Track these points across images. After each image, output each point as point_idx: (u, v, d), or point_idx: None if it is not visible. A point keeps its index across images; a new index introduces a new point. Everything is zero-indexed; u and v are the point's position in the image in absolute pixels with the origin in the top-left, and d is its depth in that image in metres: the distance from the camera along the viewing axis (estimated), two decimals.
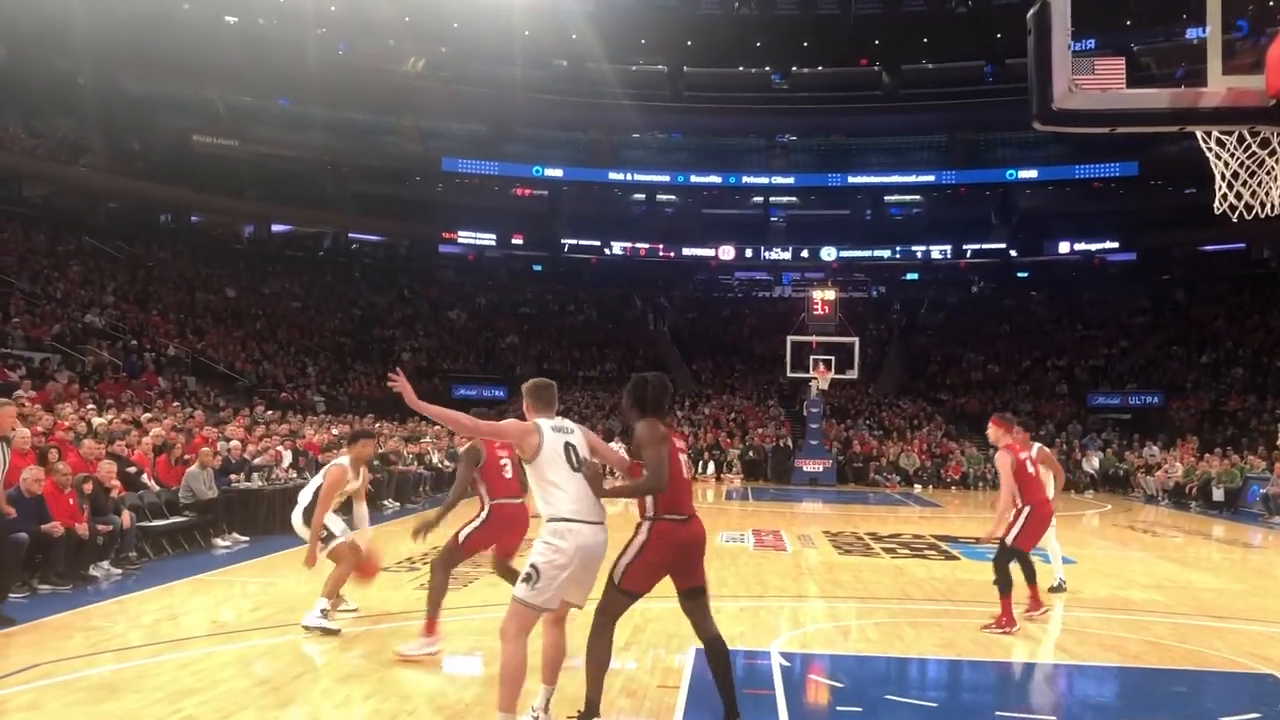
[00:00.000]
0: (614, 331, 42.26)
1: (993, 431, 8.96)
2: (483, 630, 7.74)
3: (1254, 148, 4.97)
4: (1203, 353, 35.52)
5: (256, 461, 15.52)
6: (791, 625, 8.74)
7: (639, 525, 5.20)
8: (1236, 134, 4.95)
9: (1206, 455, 24.83)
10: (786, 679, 6.84)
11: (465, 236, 46.21)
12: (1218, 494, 22.69)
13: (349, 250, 47.27)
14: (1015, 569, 8.50)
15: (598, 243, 46.65)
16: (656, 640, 7.60)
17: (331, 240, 47.21)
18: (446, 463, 22.12)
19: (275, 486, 14.68)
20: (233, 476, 14.32)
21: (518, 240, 46.32)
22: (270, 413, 23.15)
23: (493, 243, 46.29)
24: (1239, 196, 5.00)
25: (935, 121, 44.59)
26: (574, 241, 46.61)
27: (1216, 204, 5.01)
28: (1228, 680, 7.16)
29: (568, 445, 5.19)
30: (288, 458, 16.64)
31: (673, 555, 5.18)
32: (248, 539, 13.30)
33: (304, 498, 8.20)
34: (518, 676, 4.97)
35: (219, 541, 12.90)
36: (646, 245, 46.38)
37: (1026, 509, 8.53)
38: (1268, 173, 4.84)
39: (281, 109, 44.37)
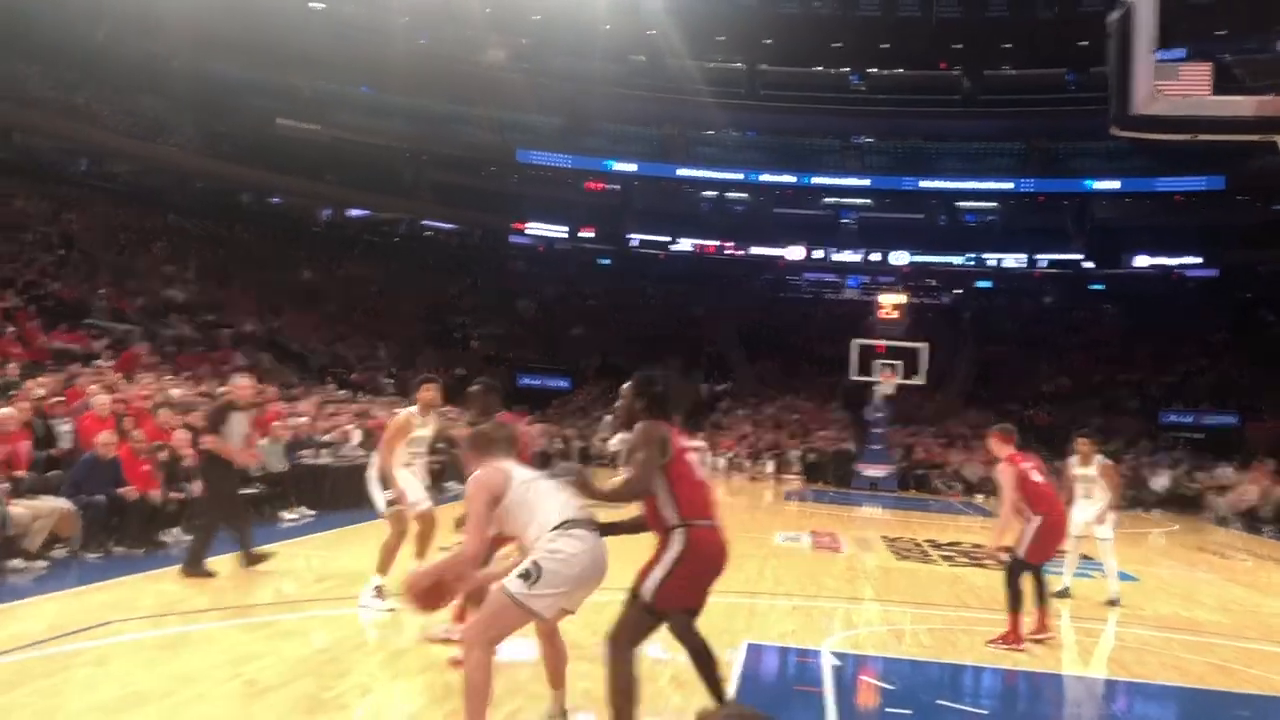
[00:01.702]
0: (678, 327, 42.26)
1: (993, 444, 8.49)
2: None
3: None
4: None
5: (325, 438, 15.86)
6: (844, 626, 8.73)
7: (668, 535, 4.80)
8: None
9: None
10: (837, 678, 6.85)
11: (536, 228, 46.53)
12: None
13: (423, 237, 47.88)
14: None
15: (666, 239, 46.65)
16: (708, 634, 7.60)
17: (406, 226, 47.86)
18: None
19: (343, 463, 14.98)
20: (302, 452, 14.65)
21: (587, 233, 46.49)
22: (342, 392, 23.61)
23: (563, 235, 46.54)
24: None
25: (1014, 128, 43.85)
26: (642, 236, 46.66)
27: None
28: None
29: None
30: (357, 436, 16.97)
31: (710, 565, 4.84)
32: (314, 513, 13.61)
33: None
34: (485, 690, 4.44)
35: (286, 514, 13.21)
36: (715, 243, 46.26)
37: (1037, 520, 8.14)
38: None
39: (363, 96, 45.07)
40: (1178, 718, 6.93)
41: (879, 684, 6.98)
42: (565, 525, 4.53)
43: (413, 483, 8.08)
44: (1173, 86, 4.49)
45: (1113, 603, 10.18)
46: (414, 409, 8.22)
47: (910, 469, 29.19)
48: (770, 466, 29.21)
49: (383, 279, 41.20)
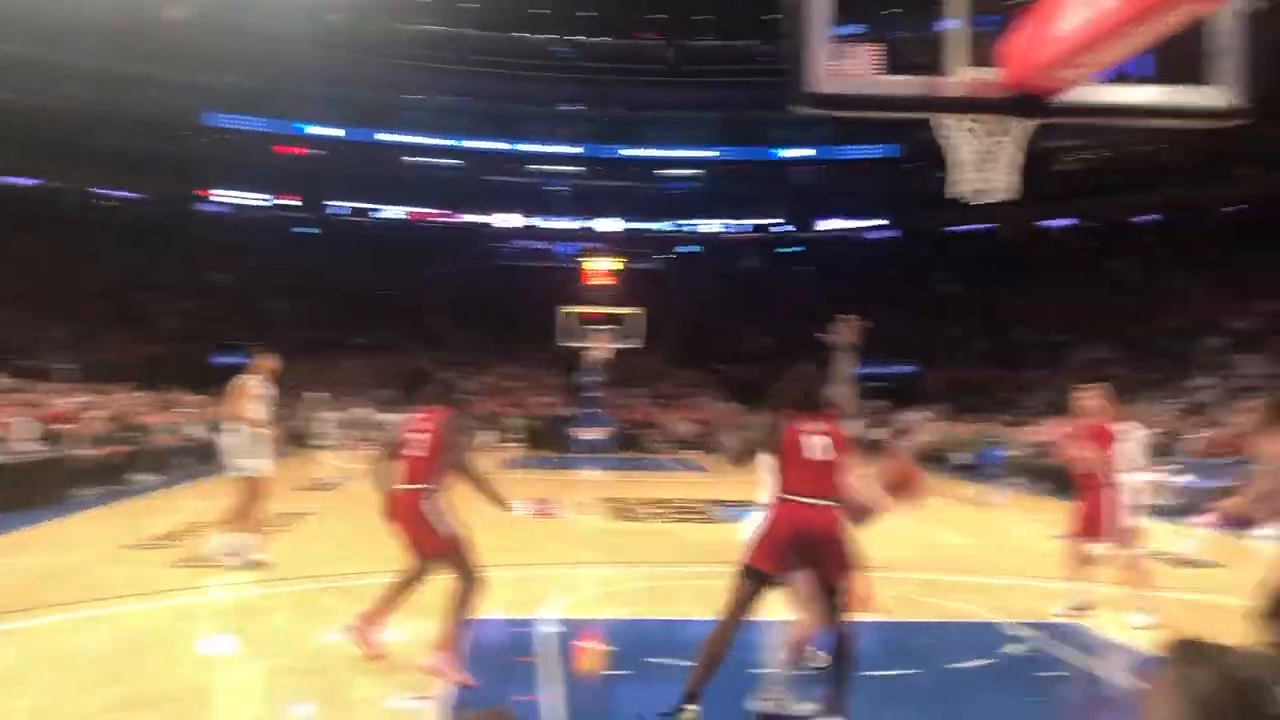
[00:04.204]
0: (389, 297, 41.18)
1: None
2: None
3: (994, 134, 5.32)
4: (954, 326, 38.10)
5: None
6: (563, 592, 8.82)
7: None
8: (976, 121, 5.28)
9: (955, 421, 26.71)
10: (554, 645, 6.89)
11: (228, 195, 43.82)
12: (964, 457, 24.45)
13: (102, 207, 43.90)
14: None
15: (373, 205, 45.29)
16: (424, 609, 7.44)
17: (80, 196, 43.69)
18: (202, 434, 20.82)
19: (11, 459, 13.53)
20: None
21: (287, 200, 44.30)
22: (7, 380, 21.32)
23: (259, 202, 44.10)
24: (976, 182, 5.34)
25: (715, 98, 45.61)
26: (347, 204, 45.01)
27: (951, 189, 5.33)
28: (962, 630, 7.74)
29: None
30: (29, 428, 15.38)
31: (793, 537, 5.27)
32: None
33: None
34: None
35: None
36: (425, 210, 45.42)
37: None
38: (1002, 160, 5.19)
39: (29, 58, 40.58)
40: (865, 651, 7.46)
41: (597, 647, 7.10)
42: None
43: (252, 447, 9.07)
44: (846, 66, 4.74)
45: None
46: (258, 376, 9.33)
47: (625, 430, 29.99)
48: (492, 436, 29.11)
49: (53, 254, 37.46)
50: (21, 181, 42.13)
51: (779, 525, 5.29)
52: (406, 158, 46.75)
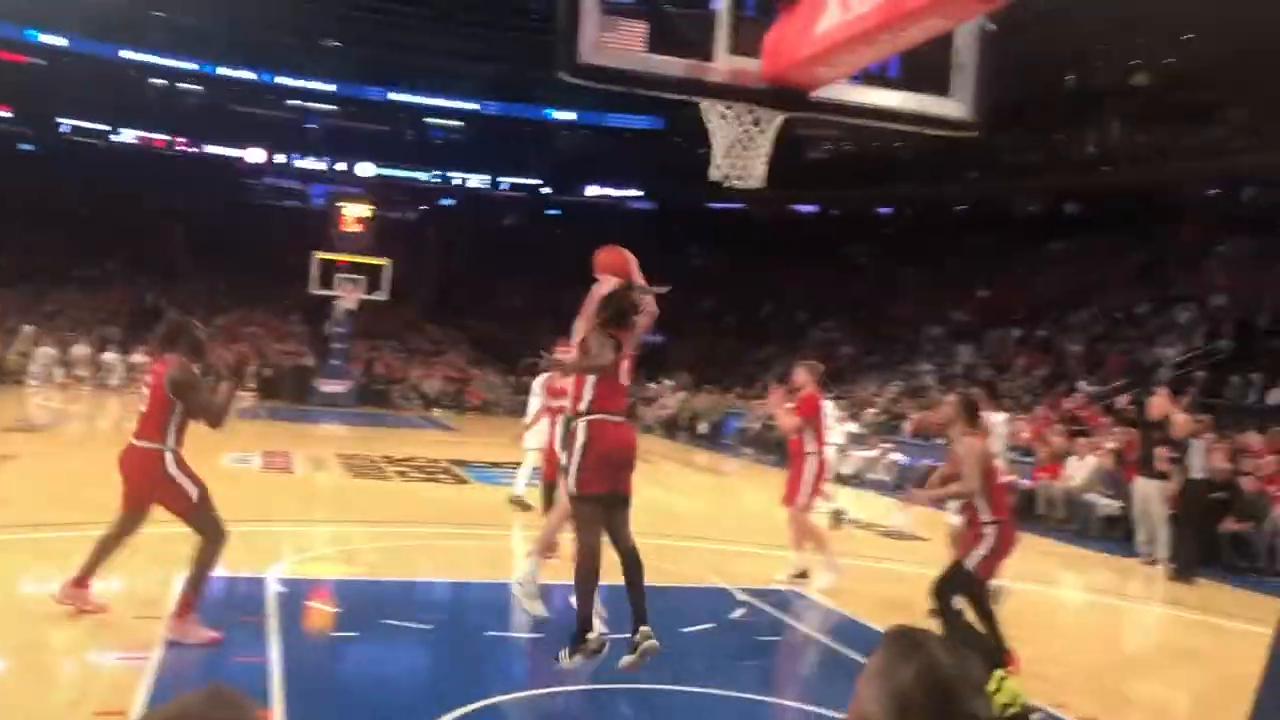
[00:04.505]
0: (121, 229, 38.16)
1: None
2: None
3: (747, 124, 5.49)
4: (705, 299, 39.39)
5: None
6: (294, 551, 8.52)
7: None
8: (735, 108, 5.44)
9: (698, 391, 27.69)
10: (282, 605, 6.66)
11: None
12: (703, 426, 25.42)
13: None
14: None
15: (106, 127, 41.70)
16: (136, 567, 7.01)
17: None
18: None
19: None
20: None
21: (3, 113, 40.10)
22: None
23: None
24: (733, 166, 5.51)
25: (483, 51, 44.77)
26: (76, 123, 41.24)
27: (711, 171, 5.48)
28: (692, 595, 8.06)
29: None
30: None
31: (612, 454, 5.40)
32: None
33: None
34: None
35: None
36: (165, 137, 42.27)
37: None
38: (756, 149, 5.38)
39: None
40: (595, 614, 7.65)
41: (326, 608, 6.92)
42: None
43: None
44: (614, 39, 4.76)
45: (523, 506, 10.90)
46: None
47: (370, 384, 29.25)
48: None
49: None
50: None
51: (606, 443, 5.43)
52: (151, 80, 43.31)
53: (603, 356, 5.46)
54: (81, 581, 5.86)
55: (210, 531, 5.78)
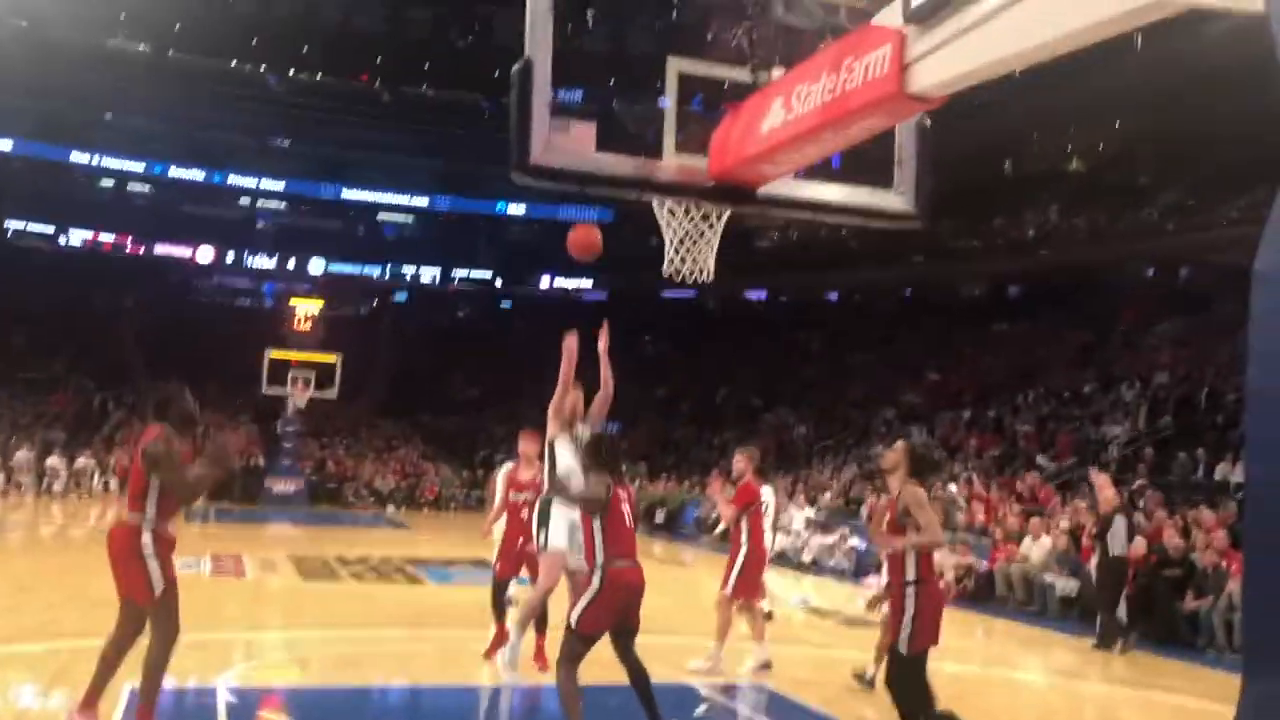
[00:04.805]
0: (70, 330, 37.62)
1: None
2: None
3: (696, 219, 5.60)
4: (658, 387, 39.47)
5: None
6: (245, 658, 8.29)
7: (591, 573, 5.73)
8: (684, 205, 5.55)
9: (654, 480, 27.58)
10: (233, 716, 6.46)
11: None
12: (660, 516, 25.26)
13: None
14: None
15: (52, 230, 41.40)
16: (77, 680, 6.74)
17: None
18: None
19: None
20: None
21: None
22: None
23: None
24: (684, 261, 5.60)
25: (431, 146, 45.29)
26: (23, 226, 40.92)
27: (664, 267, 5.57)
28: (657, 693, 7.90)
29: None
30: None
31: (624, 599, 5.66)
32: None
33: None
34: None
35: None
36: (114, 239, 42.02)
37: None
38: (706, 243, 5.48)
39: None
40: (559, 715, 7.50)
41: (279, 718, 6.72)
42: None
43: None
44: (565, 140, 4.85)
45: None
46: None
47: (322, 482, 28.83)
48: None
49: None
50: None
51: (615, 590, 5.66)
52: (101, 181, 43.28)
53: (596, 492, 5.74)
54: (89, 702, 5.59)
55: (162, 628, 5.52)
